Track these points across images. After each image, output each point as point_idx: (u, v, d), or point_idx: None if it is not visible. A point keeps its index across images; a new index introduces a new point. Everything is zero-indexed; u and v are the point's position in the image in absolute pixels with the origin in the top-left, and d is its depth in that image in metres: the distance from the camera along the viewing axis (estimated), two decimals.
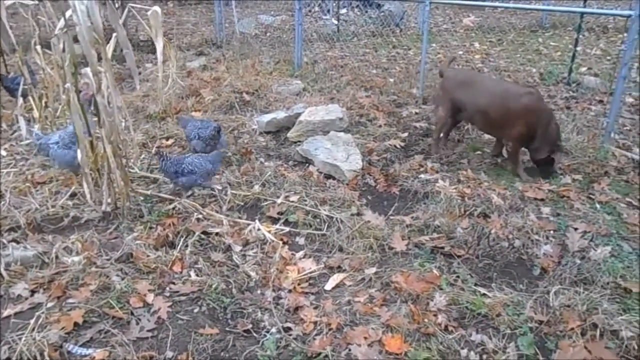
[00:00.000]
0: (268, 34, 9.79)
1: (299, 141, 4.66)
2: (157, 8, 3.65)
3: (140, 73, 6.87)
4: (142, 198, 3.77)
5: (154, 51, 7.73)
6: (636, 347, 2.41)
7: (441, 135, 4.58)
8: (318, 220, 3.51)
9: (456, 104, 4.26)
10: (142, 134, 4.90)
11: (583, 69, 7.38)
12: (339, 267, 3.10)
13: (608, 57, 7.93)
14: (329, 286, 2.96)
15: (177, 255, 3.12)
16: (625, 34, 4.91)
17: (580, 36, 9.45)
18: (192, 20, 11.73)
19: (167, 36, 7.00)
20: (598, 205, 3.66)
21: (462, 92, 4.22)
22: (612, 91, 4.71)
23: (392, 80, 6.61)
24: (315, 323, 2.65)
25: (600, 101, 6.03)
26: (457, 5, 12.19)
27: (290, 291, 2.89)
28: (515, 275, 3.00)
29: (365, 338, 2.54)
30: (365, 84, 6.41)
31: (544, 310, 2.66)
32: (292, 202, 3.70)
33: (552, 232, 3.34)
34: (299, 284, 2.94)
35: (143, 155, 4.46)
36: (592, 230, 3.33)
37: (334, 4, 10.51)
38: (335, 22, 9.95)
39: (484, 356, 2.43)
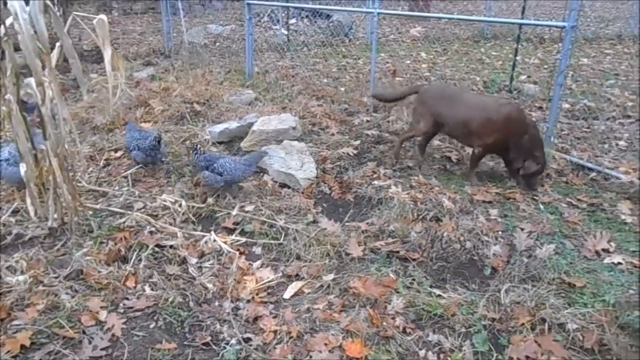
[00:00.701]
0: (217, 44, 9.73)
1: (253, 151, 4.64)
2: (103, 16, 3.56)
3: (85, 83, 6.67)
4: (91, 212, 3.64)
5: (98, 61, 7.52)
6: (581, 338, 2.54)
7: (406, 144, 4.72)
8: (274, 229, 3.51)
9: (437, 118, 4.31)
10: (89, 146, 4.75)
11: (523, 77, 7.76)
12: (297, 275, 3.10)
13: (545, 66, 8.37)
14: (287, 295, 2.95)
15: (131, 270, 3.04)
16: (560, 44, 5.20)
17: (520, 46, 9.93)
18: (138, 30, 11.48)
19: (113, 46, 6.83)
20: (542, 206, 3.85)
21: (442, 106, 4.28)
22: (550, 98, 4.97)
23: (343, 89, 6.71)
24: (275, 332, 2.64)
25: (540, 107, 6.35)
26: (404, 16, 12.58)
27: (248, 301, 2.87)
28: (467, 275, 3.10)
29: (326, 344, 2.56)
30: (316, 93, 6.47)
31: (495, 308, 2.76)
32: (248, 212, 3.68)
33: (500, 232, 3.48)
34: (257, 294, 2.92)
35: (91, 169, 4.32)
36: (537, 229, 3.49)
37: (284, 14, 10.56)
38: (285, 32, 10.00)
39: (441, 355, 2.50)
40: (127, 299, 2.84)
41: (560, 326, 2.62)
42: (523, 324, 2.63)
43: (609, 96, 6.84)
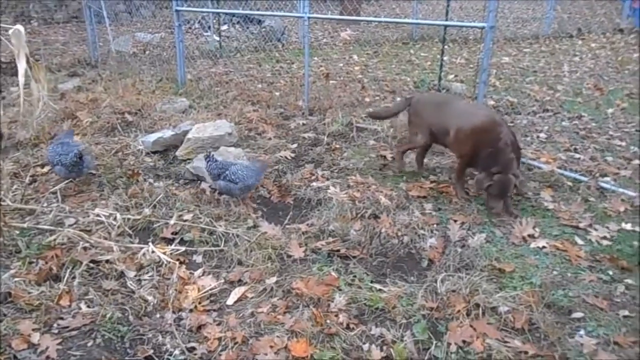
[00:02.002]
0: (147, 52, 9.47)
1: (189, 159, 4.58)
2: (19, 27, 3.41)
3: (4, 97, 6.31)
4: (17, 232, 3.46)
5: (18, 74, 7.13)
6: (512, 319, 2.69)
7: (406, 154, 4.58)
8: (214, 236, 3.47)
9: (431, 128, 4.21)
10: (12, 163, 4.50)
11: (451, 77, 8.10)
12: (240, 280, 3.09)
13: (471, 65, 8.77)
14: (231, 301, 2.94)
15: (64, 289, 2.91)
16: (482, 44, 5.49)
17: (446, 47, 10.34)
18: (61, 40, 10.96)
19: (34, 57, 6.50)
20: (472, 198, 4.04)
21: (432, 115, 4.20)
22: (476, 95, 5.23)
23: (277, 93, 6.74)
24: (219, 339, 2.62)
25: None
26: (335, 20, 12.78)
27: (191, 310, 2.83)
28: (406, 268, 3.21)
29: (272, 347, 2.57)
30: (251, 98, 6.46)
31: (433, 298, 2.88)
32: (186, 221, 3.62)
33: (435, 225, 3.62)
34: (199, 303, 2.89)
35: (15, 186, 4.09)
36: (468, 220, 3.67)
37: (215, 21, 10.45)
38: (217, 38, 9.90)
39: (384, 347, 2.57)
40: (62, 318, 2.72)
41: (493, 310, 2.77)
42: (459, 311, 2.75)
43: (529, 92, 7.27)
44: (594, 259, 3.25)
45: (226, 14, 9.76)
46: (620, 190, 4.06)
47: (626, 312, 2.75)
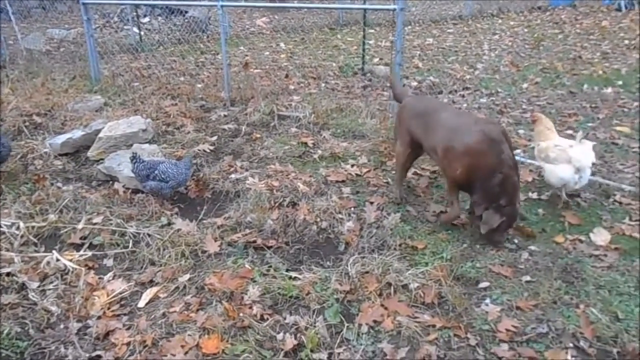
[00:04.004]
0: (62, 49, 8.99)
1: (101, 159, 4.38)
2: None
3: None
4: None
5: None
6: (422, 295, 2.75)
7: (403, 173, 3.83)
8: (126, 237, 3.35)
9: (414, 137, 3.58)
10: None
11: (375, 60, 8.18)
12: (152, 281, 2.99)
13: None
14: (142, 303, 2.84)
15: None
16: (406, 27, 5.54)
17: (372, 30, 10.44)
18: None
19: None
20: (390, 179, 4.09)
21: (418, 125, 3.52)
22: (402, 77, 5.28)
23: (199, 85, 6.57)
24: (128, 344, 2.53)
25: (390, 87, 6.75)
26: (254, 8, 12.61)
27: (99, 317, 2.71)
28: (322, 254, 3.21)
29: (183, 346, 2.50)
30: (172, 92, 6.26)
31: (347, 281, 2.89)
32: (96, 224, 3.46)
33: (352, 209, 3.65)
34: (108, 308, 2.77)
35: None
36: (384, 201, 3.71)
37: (134, 13, 10.03)
38: (137, 31, 9.52)
39: (298, 335, 2.56)
40: None
41: (404, 287, 2.82)
42: (371, 291, 2.78)
43: (450, 71, 7.46)
44: None
45: (135, 5, 9.35)
46: (529, 161, 4.24)
47: (528, 278, 2.87)
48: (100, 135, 4.56)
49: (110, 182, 4.08)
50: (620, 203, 3.62)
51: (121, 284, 2.96)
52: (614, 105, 5.73)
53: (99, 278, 3.00)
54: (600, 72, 7.11)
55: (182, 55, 8.28)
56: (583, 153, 3.44)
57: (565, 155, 3.46)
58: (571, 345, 2.41)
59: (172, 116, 5.35)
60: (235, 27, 11.20)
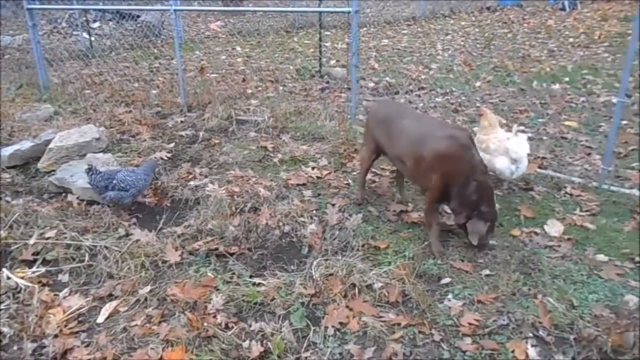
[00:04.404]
0: (7, 56, 8.63)
1: (53, 170, 4.22)
2: None
3: None
4: None
5: None
6: (386, 294, 2.78)
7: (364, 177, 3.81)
8: (81, 251, 3.23)
9: (378, 145, 3.51)
10: None
11: (332, 62, 8.23)
12: (111, 295, 2.90)
13: None
14: (101, 318, 2.75)
15: None
16: (362, 29, 5.59)
17: (329, 33, 10.49)
18: None
19: None
20: (351, 181, 4.12)
21: (383, 132, 3.42)
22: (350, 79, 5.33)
23: (155, 91, 6.43)
24: None
25: (348, 89, 6.80)
26: (210, 12, 12.47)
27: (55, 336, 2.60)
28: (286, 258, 3.19)
29: None
30: (125, 99, 6.10)
31: (312, 284, 2.89)
32: (49, 238, 3.33)
33: (314, 211, 3.64)
34: (65, 326, 2.67)
35: None
36: (346, 203, 3.73)
37: (84, 18, 9.73)
38: (87, 36, 9.24)
39: (264, 341, 2.53)
40: None
41: (368, 287, 2.83)
42: (336, 293, 2.79)
43: (406, 72, 7.58)
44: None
45: (84, 10, 9.08)
46: None
47: (488, 271, 2.94)
48: (51, 145, 4.39)
49: (63, 194, 3.94)
50: (571, 195, 3.76)
51: (78, 299, 2.86)
52: (561, 101, 5.97)
53: (54, 295, 2.89)
54: (548, 69, 7.39)
55: (135, 61, 8.09)
56: (519, 144, 3.62)
57: (503, 147, 3.63)
58: (531, 334, 2.49)
59: (126, 124, 5.22)
60: (189, 32, 11.05)
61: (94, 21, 10.64)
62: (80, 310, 2.78)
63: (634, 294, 2.70)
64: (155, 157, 4.47)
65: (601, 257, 3.04)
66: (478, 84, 6.82)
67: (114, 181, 3.62)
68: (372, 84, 7.01)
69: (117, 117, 5.39)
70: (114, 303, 2.83)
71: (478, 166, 3.02)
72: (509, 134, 3.70)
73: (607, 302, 2.66)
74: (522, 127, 4.94)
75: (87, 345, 2.55)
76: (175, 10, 5.51)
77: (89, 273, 3.09)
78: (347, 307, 2.69)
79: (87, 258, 3.17)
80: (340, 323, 2.60)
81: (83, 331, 2.66)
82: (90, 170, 3.66)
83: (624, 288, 2.76)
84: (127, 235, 3.40)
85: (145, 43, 8.85)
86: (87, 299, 2.87)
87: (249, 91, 6.53)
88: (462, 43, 9.75)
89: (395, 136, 3.31)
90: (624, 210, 3.53)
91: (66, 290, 2.94)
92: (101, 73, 7.48)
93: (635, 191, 3.74)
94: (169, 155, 4.60)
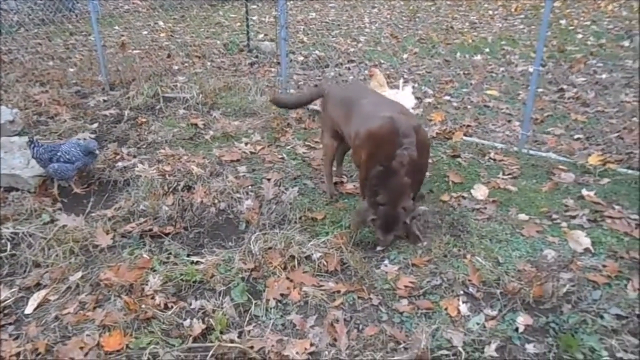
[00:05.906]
0: None
1: None
2: None
3: None
4: None
5: None
6: (325, 263, 2.83)
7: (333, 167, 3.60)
8: (2, 240, 3.04)
9: (338, 128, 3.33)
10: None
11: (260, 36, 8.09)
12: (38, 284, 2.76)
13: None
14: (29, 309, 2.61)
15: None
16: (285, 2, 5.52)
17: (255, 6, 10.28)
18: None
19: None
20: (285, 155, 4.11)
21: (339, 114, 3.27)
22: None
23: (72, 70, 6.05)
24: (17, 355, 2.32)
25: (278, 63, 6.73)
26: None
27: None
28: (224, 235, 3.17)
29: (82, 347, 2.35)
30: (40, 78, 5.71)
31: (251, 259, 2.89)
32: None
33: (250, 187, 3.62)
34: None
35: None
36: (281, 177, 3.73)
37: None
38: None
39: (206, 319, 2.52)
40: None
41: (307, 258, 2.87)
42: (276, 266, 2.81)
43: (335, 45, 7.60)
44: None
45: None
46: None
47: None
48: None
49: None
50: (495, 160, 3.97)
51: (2, 291, 2.70)
52: (483, 71, 6.24)
53: None
54: (470, 41, 7.68)
55: (48, 38, 7.55)
56: (405, 98, 4.11)
57: None
58: (462, 292, 2.64)
59: (43, 105, 4.89)
60: (106, 5, 10.42)
61: None
62: (6, 302, 2.63)
63: (552, 248, 2.92)
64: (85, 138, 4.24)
65: (522, 216, 3.25)
66: (405, 56, 6.97)
67: (59, 153, 3.52)
68: (301, 58, 6.98)
69: (32, 97, 5.04)
70: (43, 292, 2.70)
71: (400, 156, 2.77)
72: (397, 90, 4.08)
73: (529, 257, 2.87)
74: (447, 97, 5.13)
75: (16, 338, 2.42)
76: None
77: (12, 263, 2.92)
78: (287, 278, 2.72)
79: (9, 247, 2.98)
80: (282, 295, 2.63)
81: (10, 324, 2.52)
82: (31, 142, 3.54)
83: (543, 244, 2.98)
84: (53, 221, 3.23)
85: (58, 18, 8.26)
86: (13, 290, 2.71)
87: (175, 67, 6.30)
88: (389, 16, 9.88)
89: (352, 115, 3.15)
90: (541, 172, 3.79)
91: None
92: (10, 51, 6.93)
93: (551, 154, 4.01)
94: (92, 136, 4.38)
